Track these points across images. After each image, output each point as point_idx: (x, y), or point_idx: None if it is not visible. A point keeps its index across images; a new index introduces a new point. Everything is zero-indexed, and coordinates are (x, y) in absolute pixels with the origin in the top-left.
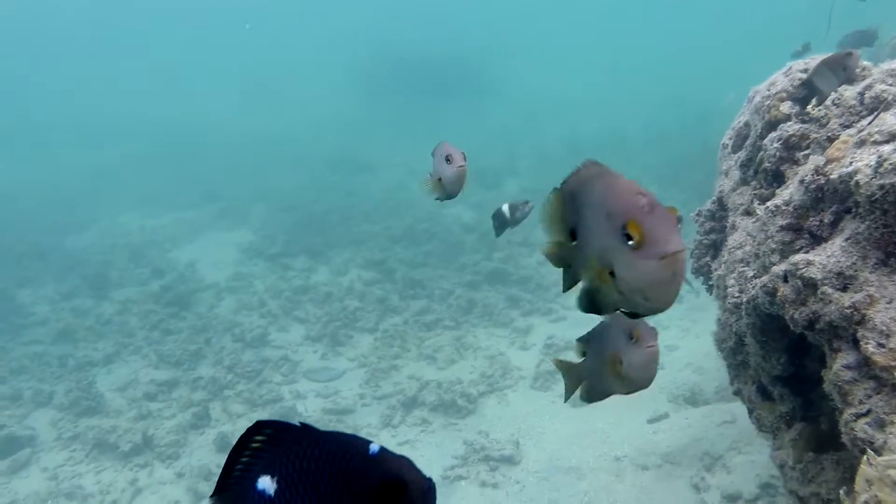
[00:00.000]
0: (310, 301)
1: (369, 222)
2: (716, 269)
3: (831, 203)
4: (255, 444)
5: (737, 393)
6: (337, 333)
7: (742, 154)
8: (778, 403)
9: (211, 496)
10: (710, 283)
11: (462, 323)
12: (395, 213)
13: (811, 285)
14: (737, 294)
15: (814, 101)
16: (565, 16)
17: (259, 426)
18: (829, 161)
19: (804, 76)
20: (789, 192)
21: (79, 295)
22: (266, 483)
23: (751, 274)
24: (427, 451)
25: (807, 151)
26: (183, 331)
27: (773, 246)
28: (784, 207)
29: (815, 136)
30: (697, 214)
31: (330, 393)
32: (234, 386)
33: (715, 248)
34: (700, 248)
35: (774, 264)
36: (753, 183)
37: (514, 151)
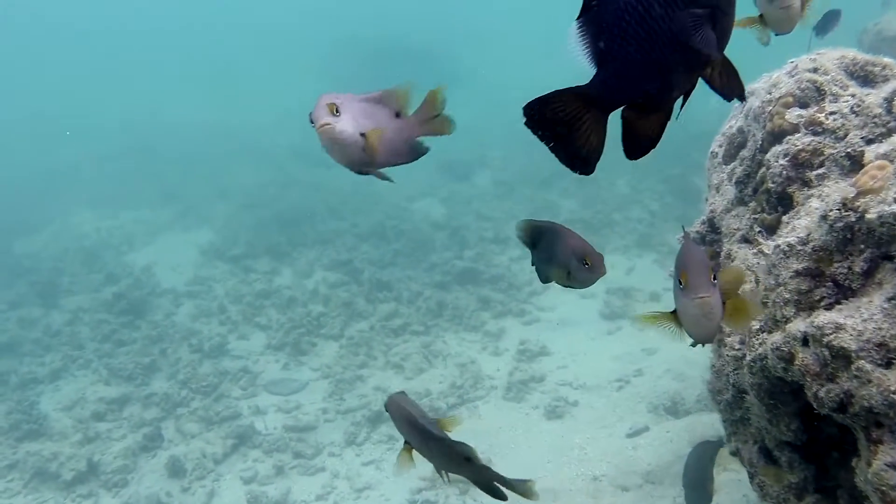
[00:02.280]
0: (272, 306)
1: (336, 219)
2: None
3: (864, 246)
4: None
5: (734, 453)
6: (300, 341)
7: (738, 168)
8: (786, 471)
9: (577, 18)
10: None
11: (431, 327)
12: (363, 208)
13: (842, 357)
14: (737, 346)
15: None
16: (536, 4)
17: None
18: (861, 192)
19: (815, 77)
20: (806, 228)
21: (26, 304)
22: None
23: (756, 326)
24: (393, 472)
25: (820, 171)
26: (136, 341)
27: (787, 296)
28: (800, 248)
29: (829, 151)
30: (684, 237)
31: (291, 407)
32: (189, 403)
33: None
34: None
35: (789, 319)
36: (753, 204)
37: (485, 143)
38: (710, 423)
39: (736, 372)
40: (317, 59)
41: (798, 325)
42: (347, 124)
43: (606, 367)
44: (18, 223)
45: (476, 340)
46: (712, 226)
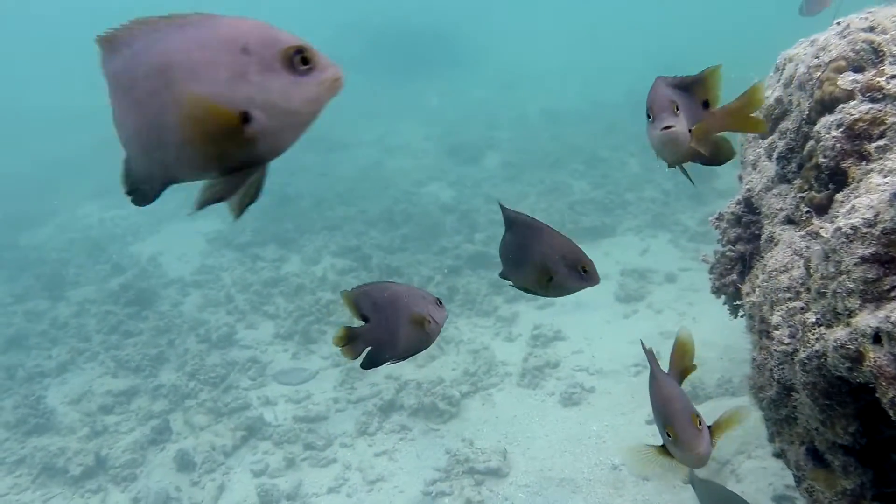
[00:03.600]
0: (280, 294)
1: (344, 205)
2: (747, 294)
3: None
4: None
5: (778, 455)
6: (309, 329)
7: (779, 142)
8: (840, 476)
9: None
10: (737, 305)
11: None
12: (371, 193)
13: None
14: (787, 340)
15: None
16: None
17: None
18: None
19: (872, 37)
20: (872, 208)
21: (32, 296)
22: None
23: (812, 319)
24: (407, 463)
25: (881, 142)
26: (143, 332)
27: (851, 285)
28: (866, 230)
29: (892, 119)
30: (718, 219)
31: (301, 398)
32: (197, 395)
33: (743, 263)
34: (723, 261)
35: (853, 312)
36: (798, 182)
37: (493, 124)
38: (733, 408)
39: (781, 367)
40: (321, 44)
41: (867, 320)
42: (684, 124)
43: (623, 352)
44: (24, 216)
45: (489, 326)
46: (749, 206)
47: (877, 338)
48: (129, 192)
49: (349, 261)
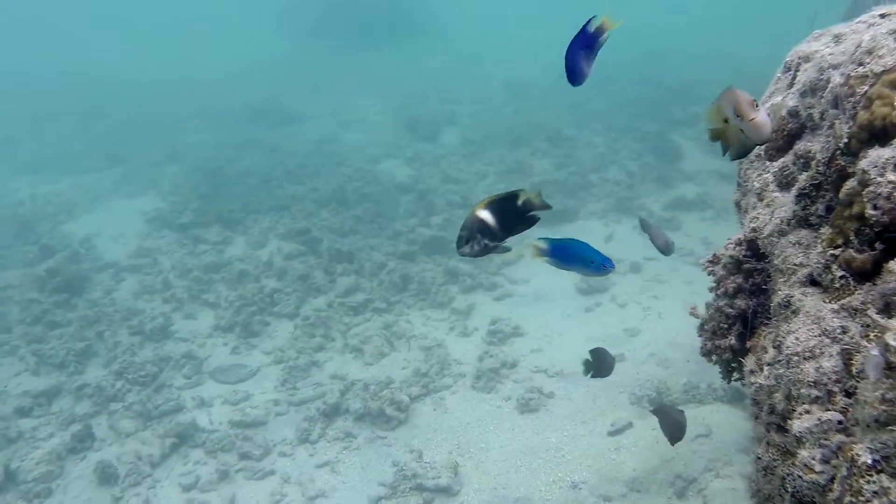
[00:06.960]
0: (222, 280)
1: (294, 183)
2: (752, 372)
3: None
4: None
5: None
6: (251, 321)
7: (799, 174)
8: None
9: None
10: (733, 368)
11: (395, 304)
12: (323, 170)
13: None
14: (818, 467)
15: None
16: None
17: None
18: None
19: None
20: None
21: None
22: None
23: (865, 459)
24: (350, 476)
25: None
26: (71, 323)
27: None
28: None
29: None
30: (711, 261)
31: (239, 399)
32: (125, 396)
33: (744, 324)
34: (717, 318)
35: None
36: (829, 232)
37: (454, 98)
38: (701, 420)
39: (799, 480)
40: (274, 11)
41: None
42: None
43: (584, 351)
44: None
45: (443, 319)
46: (754, 249)
47: None
48: None
49: (297, 244)
